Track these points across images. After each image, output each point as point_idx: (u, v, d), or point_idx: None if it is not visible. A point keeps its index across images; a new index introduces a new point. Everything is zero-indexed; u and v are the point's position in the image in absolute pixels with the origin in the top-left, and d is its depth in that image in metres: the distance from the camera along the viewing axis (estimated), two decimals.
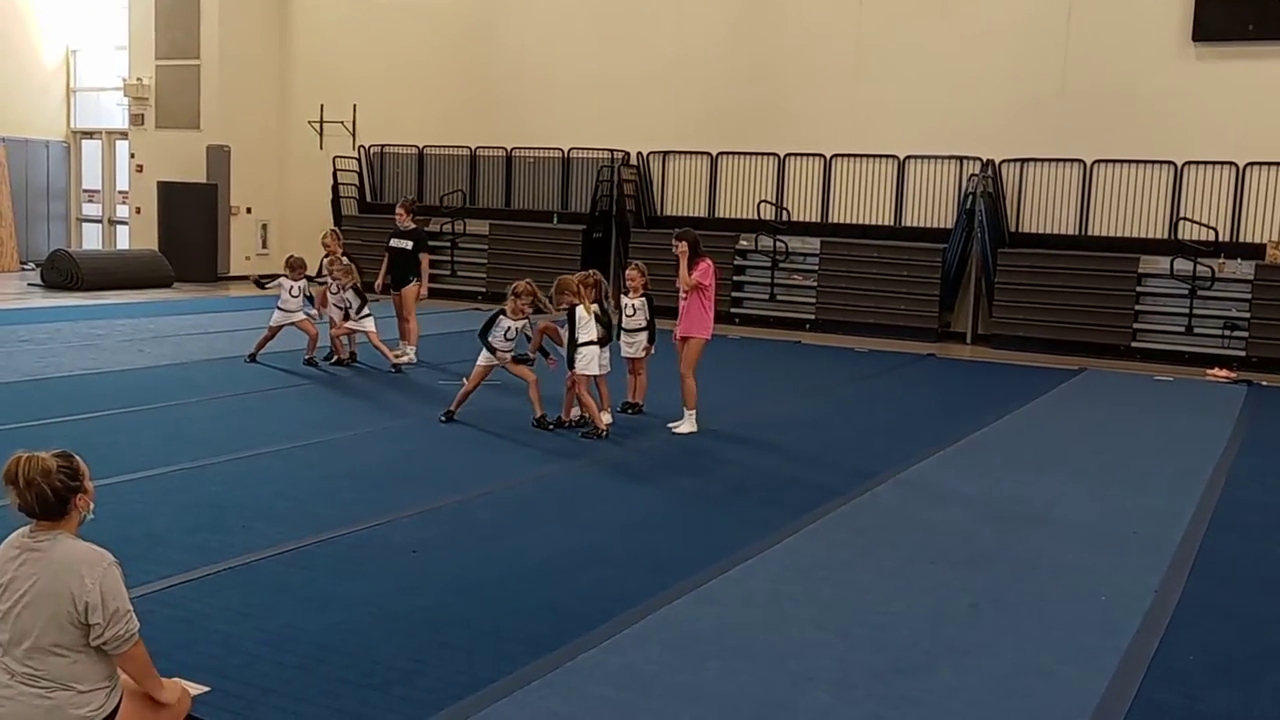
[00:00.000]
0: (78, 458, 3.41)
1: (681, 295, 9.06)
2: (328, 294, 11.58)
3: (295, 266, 11.63)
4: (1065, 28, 15.33)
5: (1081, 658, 4.73)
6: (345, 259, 11.70)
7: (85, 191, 23.73)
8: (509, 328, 8.84)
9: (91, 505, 3.45)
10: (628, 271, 9.50)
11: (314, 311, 11.64)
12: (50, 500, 3.31)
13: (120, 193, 23.01)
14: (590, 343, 8.77)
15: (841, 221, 16.79)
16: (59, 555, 3.32)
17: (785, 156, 17.15)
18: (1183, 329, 14.41)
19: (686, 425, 8.96)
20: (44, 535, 3.35)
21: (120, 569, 3.40)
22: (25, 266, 21.22)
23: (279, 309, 11.51)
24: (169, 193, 20.30)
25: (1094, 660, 4.70)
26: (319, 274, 11.91)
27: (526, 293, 8.81)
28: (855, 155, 16.68)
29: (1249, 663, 4.79)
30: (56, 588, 3.28)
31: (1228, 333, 14.14)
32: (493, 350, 8.85)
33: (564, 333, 8.95)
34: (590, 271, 9.22)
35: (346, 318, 11.41)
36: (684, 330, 9.09)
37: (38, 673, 3.30)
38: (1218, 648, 4.93)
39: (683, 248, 9.00)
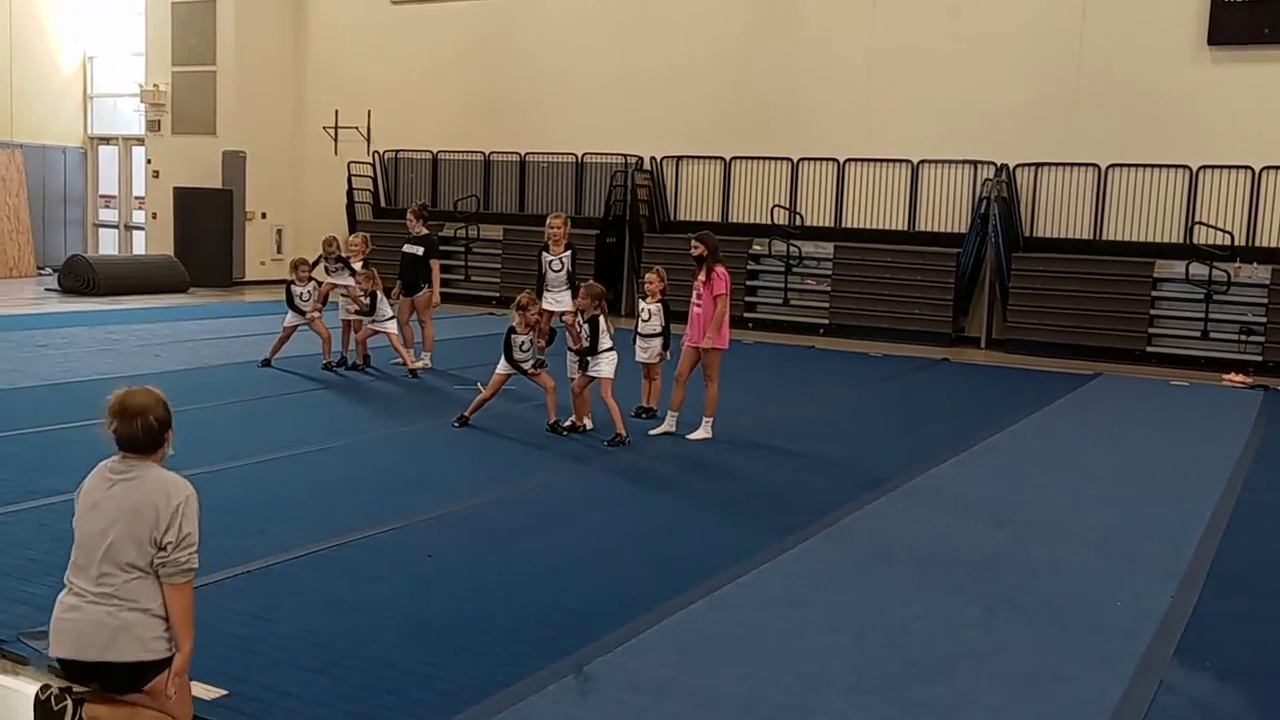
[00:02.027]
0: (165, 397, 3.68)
1: (695, 303, 9.04)
2: (330, 289, 11.80)
3: (300, 268, 11.73)
4: (1079, 31, 15.30)
5: (1097, 662, 4.72)
6: (360, 264, 11.81)
7: (102, 197, 23.88)
8: (522, 341, 8.89)
9: (173, 442, 3.69)
10: (648, 276, 9.53)
11: (319, 309, 11.70)
12: (155, 431, 3.56)
13: (137, 198, 23.14)
14: (611, 348, 8.84)
15: (855, 226, 16.79)
16: (149, 478, 3.55)
17: (799, 161, 17.15)
18: (1198, 334, 14.35)
19: (701, 432, 8.96)
20: (134, 463, 3.56)
21: (199, 503, 3.62)
22: (42, 272, 21.34)
23: (291, 310, 11.61)
24: (185, 198, 20.40)
25: (1110, 665, 4.69)
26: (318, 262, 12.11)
27: (531, 302, 8.93)
28: (869, 160, 16.67)
29: (1266, 669, 4.77)
30: (143, 504, 3.48)
31: (1244, 337, 14.08)
32: (518, 366, 8.91)
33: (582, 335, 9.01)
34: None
35: (370, 318, 11.50)
36: (702, 339, 8.98)
37: (110, 591, 3.45)
38: (1234, 654, 4.91)
39: (700, 250, 8.97)
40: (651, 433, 9.03)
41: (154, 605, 3.49)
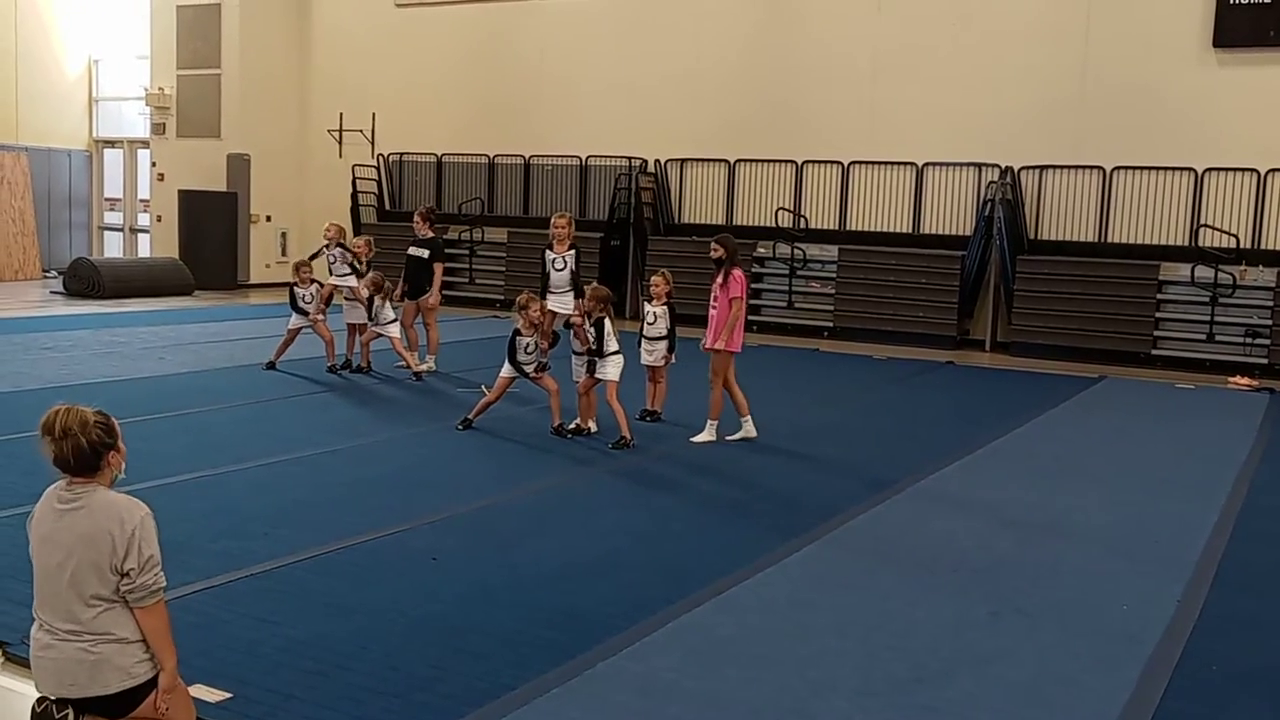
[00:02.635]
0: (113, 417, 3.42)
1: (712, 305, 9.00)
2: (332, 290, 11.95)
3: (302, 269, 11.79)
4: (1084, 34, 15.29)
5: (1103, 667, 4.71)
6: (366, 265, 11.89)
7: (107, 200, 23.93)
8: (527, 343, 8.89)
9: (123, 465, 3.45)
10: (653, 278, 9.52)
11: (323, 311, 11.76)
12: (85, 453, 3.32)
13: (142, 201, 23.17)
14: (617, 351, 8.85)
15: (860, 229, 16.78)
16: (98, 504, 3.35)
17: (803, 164, 17.15)
18: (1204, 336, 14.32)
19: (705, 435, 8.94)
20: (81, 488, 3.37)
21: (155, 521, 3.41)
22: (47, 274, 21.38)
23: (295, 312, 11.64)
24: (190, 201, 20.43)
25: (1116, 669, 4.68)
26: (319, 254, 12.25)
27: (531, 301, 8.92)
28: (873, 162, 16.67)
29: (1273, 673, 4.75)
30: (96, 533, 3.30)
31: (1249, 340, 14.05)
32: (521, 369, 8.91)
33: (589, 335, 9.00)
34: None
35: (372, 320, 11.53)
36: (715, 342, 8.94)
37: (80, 626, 3.32)
38: (1242, 658, 4.89)
39: (720, 253, 8.90)
40: (730, 438, 8.93)
41: (129, 633, 3.36)
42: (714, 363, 8.94)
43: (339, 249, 12.12)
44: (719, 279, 8.92)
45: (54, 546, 3.35)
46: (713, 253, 9.01)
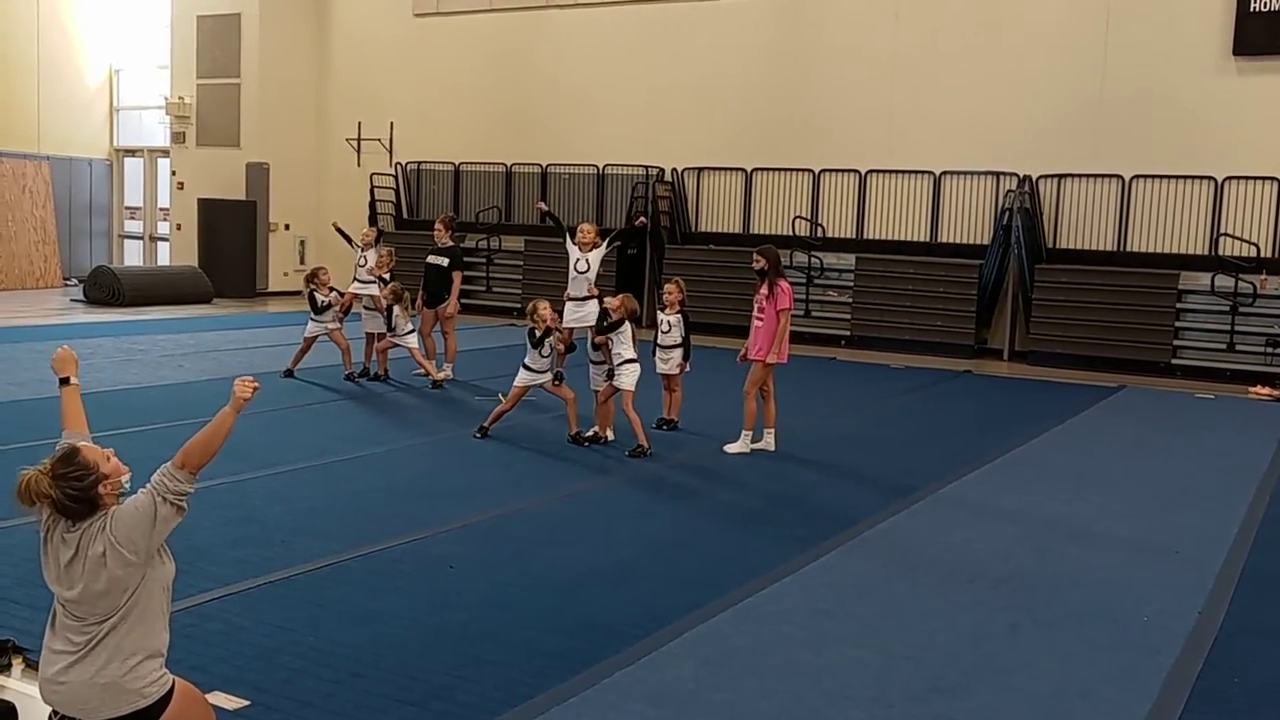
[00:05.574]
0: (82, 451, 3.26)
1: (756, 316, 8.94)
2: (352, 299, 12.02)
3: (320, 274, 11.84)
4: (1103, 42, 15.23)
5: (1123, 679, 4.67)
6: (388, 275, 11.93)
7: (127, 208, 24.09)
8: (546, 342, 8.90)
9: (122, 480, 3.30)
10: (666, 286, 9.52)
11: (340, 319, 11.83)
12: (78, 501, 3.20)
13: (161, 209, 23.34)
14: (634, 359, 8.84)
15: (877, 237, 16.75)
16: (95, 526, 3.21)
17: (820, 172, 17.13)
18: (1224, 346, 14.23)
19: (739, 445, 8.87)
20: (73, 530, 3.23)
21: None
22: (68, 282, 21.53)
23: (312, 320, 11.70)
24: (209, 209, 20.56)
25: (1136, 681, 4.65)
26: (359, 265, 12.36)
27: (540, 303, 8.95)
28: (891, 171, 16.64)
29: None
30: (107, 546, 3.17)
31: (1270, 350, 13.95)
32: (536, 373, 8.92)
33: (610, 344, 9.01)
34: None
35: (390, 330, 11.56)
36: (764, 354, 8.83)
37: (89, 644, 3.23)
38: (1262, 669, 4.85)
39: (762, 264, 8.85)
40: (754, 445, 8.89)
41: (142, 648, 3.25)
42: (753, 373, 8.87)
43: (371, 253, 12.18)
44: (763, 290, 8.83)
45: (70, 575, 3.22)
46: (755, 263, 8.95)
